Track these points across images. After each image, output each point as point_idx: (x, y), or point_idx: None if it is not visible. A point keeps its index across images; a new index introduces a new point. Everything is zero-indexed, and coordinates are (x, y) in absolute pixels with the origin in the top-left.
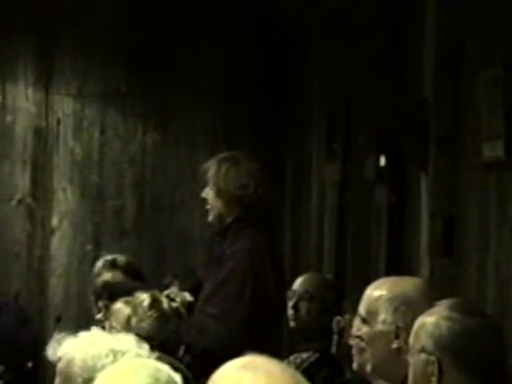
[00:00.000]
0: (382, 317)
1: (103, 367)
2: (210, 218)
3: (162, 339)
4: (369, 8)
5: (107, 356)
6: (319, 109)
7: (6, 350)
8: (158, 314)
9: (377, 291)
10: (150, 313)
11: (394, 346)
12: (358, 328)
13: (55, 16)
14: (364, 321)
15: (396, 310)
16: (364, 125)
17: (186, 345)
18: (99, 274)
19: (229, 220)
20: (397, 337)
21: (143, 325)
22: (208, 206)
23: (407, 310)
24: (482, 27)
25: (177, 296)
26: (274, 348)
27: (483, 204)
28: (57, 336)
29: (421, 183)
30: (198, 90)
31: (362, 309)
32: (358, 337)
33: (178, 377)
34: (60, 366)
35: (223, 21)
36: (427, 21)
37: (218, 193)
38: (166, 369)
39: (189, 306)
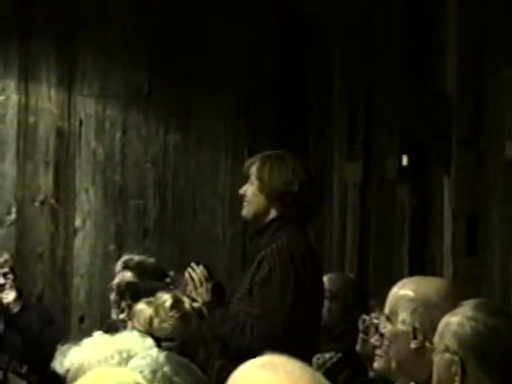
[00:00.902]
0: (401, 316)
1: None
2: (245, 213)
3: (183, 340)
4: (391, 8)
5: (112, 357)
6: (340, 109)
7: (30, 350)
8: (180, 315)
9: (401, 290)
10: (171, 313)
11: (413, 346)
12: (384, 326)
13: (77, 17)
14: (388, 319)
15: (414, 310)
16: (386, 124)
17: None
18: (116, 275)
19: (268, 218)
20: (414, 337)
21: (165, 325)
22: (245, 203)
23: (425, 311)
24: (504, 26)
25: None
26: (313, 348)
27: (506, 203)
28: (61, 348)
29: (443, 182)
30: (220, 91)
31: (386, 307)
32: (381, 334)
33: (142, 379)
34: (69, 376)
35: (244, 22)
36: (449, 20)
37: (261, 187)
38: (132, 374)
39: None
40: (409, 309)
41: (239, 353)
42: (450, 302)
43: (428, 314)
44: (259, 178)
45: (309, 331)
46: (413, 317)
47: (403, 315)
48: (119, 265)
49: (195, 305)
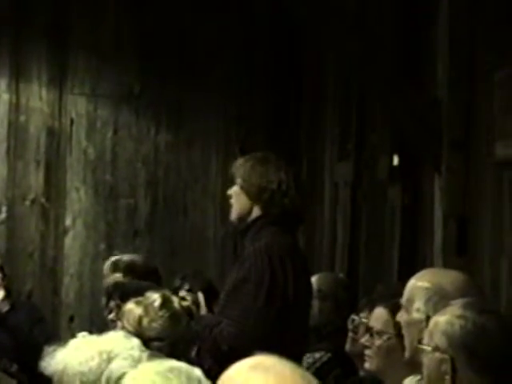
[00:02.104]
0: (416, 305)
1: (91, 371)
2: (231, 215)
3: (173, 339)
4: (383, 10)
5: (93, 359)
6: (332, 109)
7: (19, 350)
8: (169, 314)
9: (418, 281)
10: (161, 313)
11: None
12: (400, 315)
13: (69, 16)
14: (404, 308)
15: (429, 299)
16: (377, 125)
17: (200, 345)
18: (106, 276)
19: (251, 217)
20: (427, 326)
21: (154, 325)
22: (231, 202)
23: (439, 301)
24: (496, 26)
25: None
26: (293, 349)
27: (497, 203)
28: (48, 350)
29: (434, 182)
30: (211, 90)
31: (403, 296)
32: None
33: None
34: (55, 378)
35: (237, 23)
36: (441, 23)
37: (242, 185)
38: (197, 372)
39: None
40: (424, 298)
41: (222, 354)
42: (464, 294)
43: (442, 305)
44: (241, 177)
45: (291, 331)
46: (427, 306)
47: (418, 304)
48: (108, 266)
49: (184, 304)
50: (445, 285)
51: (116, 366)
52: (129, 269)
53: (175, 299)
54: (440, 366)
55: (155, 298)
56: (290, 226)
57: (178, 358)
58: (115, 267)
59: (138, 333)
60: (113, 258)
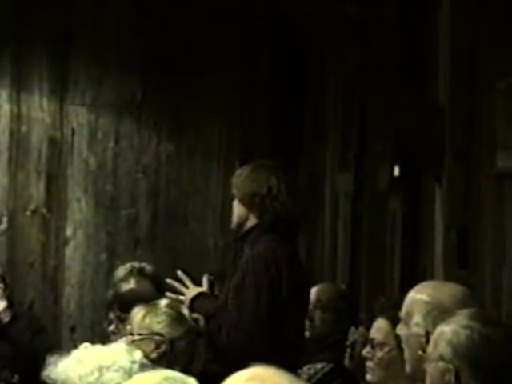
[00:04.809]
0: (415, 319)
1: None
2: (232, 224)
3: (174, 336)
4: (384, 18)
5: (92, 373)
6: (333, 119)
7: (20, 360)
8: (173, 312)
9: (417, 294)
10: (164, 309)
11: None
12: (400, 328)
13: (70, 27)
14: (403, 321)
15: (428, 314)
16: (379, 135)
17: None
18: (125, 279)
19: (248, 226)
20: (427, 341)
21: (158, 319)
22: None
23: (439, 316)
24: (497, 38)
25: None
26: (291, 357)
27: (498, 214)
28: (51, 359)
29: (435, 193)
30: (213, 100)
31: (402, 310)
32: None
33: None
34: None
35: (239, 33)
36: (442, 32)
37: (239, 196)
38: (192, 381)
39: None
40: (422, 312)
41: (220, 352)
42: (464, 308)
43: (441, 319)
44: (236, 186)
45: (288, 339)
46: (426, 320)
47: (417, 318)
48: (126, 272)
49: (193, 315)
50: (444, 299)
51: (107, 378)
52: (156, 278)
53: (184, 307)
54: (444, 376)
55: (163, 300)
56: (285, 233)
57: (177, 360)
58: (141, 273)
59: (141, 328)
60: (135, 264)
